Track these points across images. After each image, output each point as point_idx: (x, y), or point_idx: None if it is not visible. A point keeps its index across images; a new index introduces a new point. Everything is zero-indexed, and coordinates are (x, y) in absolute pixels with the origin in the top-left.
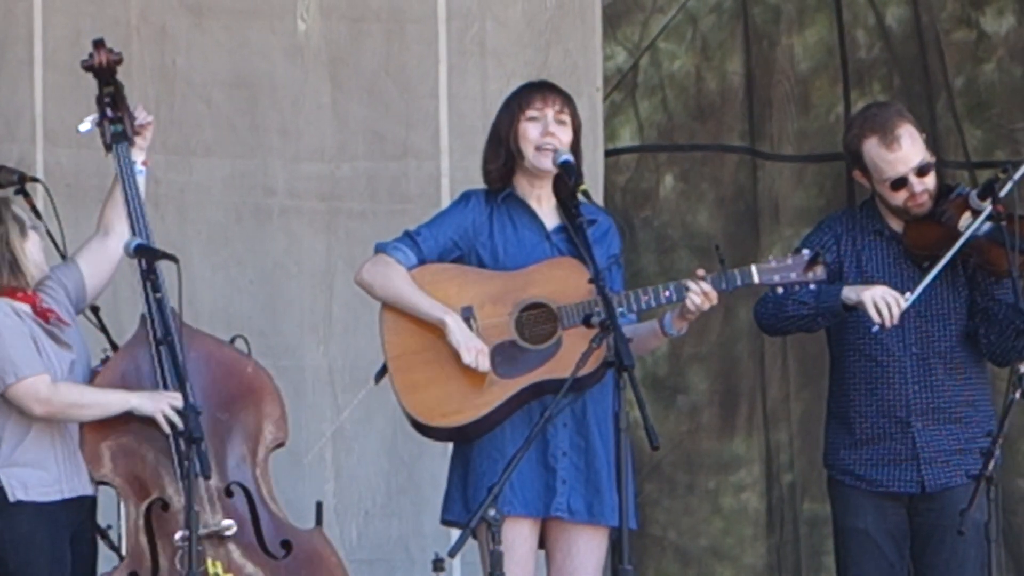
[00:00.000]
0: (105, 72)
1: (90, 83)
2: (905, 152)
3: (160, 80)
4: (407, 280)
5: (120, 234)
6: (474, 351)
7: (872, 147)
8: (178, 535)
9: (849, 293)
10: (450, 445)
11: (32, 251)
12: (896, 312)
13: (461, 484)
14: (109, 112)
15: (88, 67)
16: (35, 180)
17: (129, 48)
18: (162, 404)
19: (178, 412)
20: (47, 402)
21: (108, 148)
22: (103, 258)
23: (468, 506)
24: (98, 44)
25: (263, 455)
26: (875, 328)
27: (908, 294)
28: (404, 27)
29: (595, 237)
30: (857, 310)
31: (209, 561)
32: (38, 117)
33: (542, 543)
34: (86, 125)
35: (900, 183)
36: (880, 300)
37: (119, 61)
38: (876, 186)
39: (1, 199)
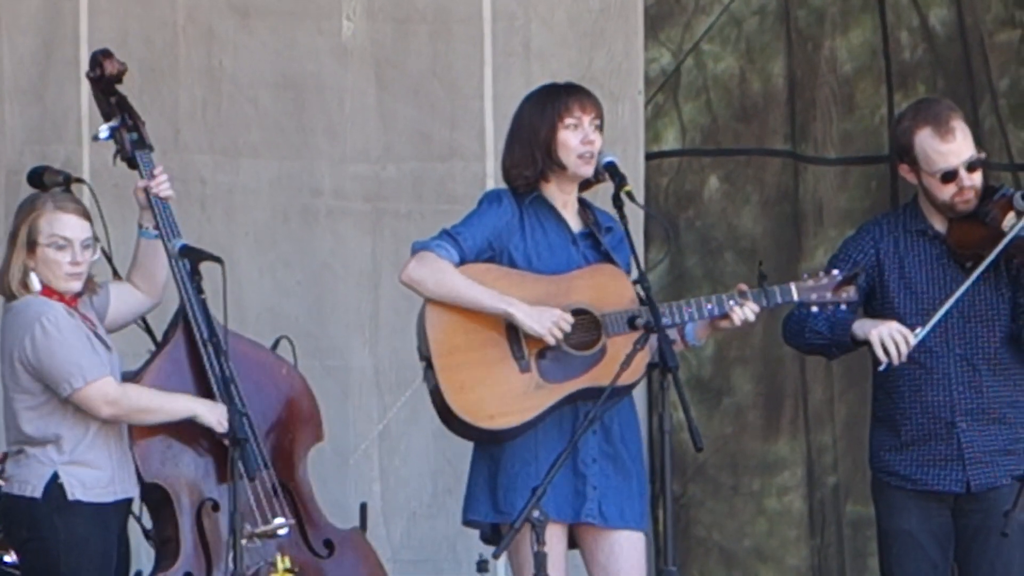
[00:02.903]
0: (114, 81)
1: (137, 84)
2: (958, 144)
3: (207, 81)
4: (460, 275)
5: (148, 293)
6: (553, 329)
7: (925, 138)
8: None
9: (858, 329)
10: None
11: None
12: (904, 350)
13: (488, 485)
14: (128, 119)
15: (96, 77)
16: (80, 181)
17: (176, 49)
18: (222, 416)
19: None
20: (115, 403)
21: (127, 157)
22: (130, 302)
23: (497, 507)
24: (106, 54)
25: (301, 456)
26: (882, 367)
27: (919, 329)
28: (450, 28)
29: (611, 245)
30: (867, 345)
31: (278, 556)
32: (84, 118)
33: (572, 544)
34: (104, 132)
35: (950, 176)
36: (887, 338)
37: (124, 71)
38: (924, 180)
39: (40, 207)
